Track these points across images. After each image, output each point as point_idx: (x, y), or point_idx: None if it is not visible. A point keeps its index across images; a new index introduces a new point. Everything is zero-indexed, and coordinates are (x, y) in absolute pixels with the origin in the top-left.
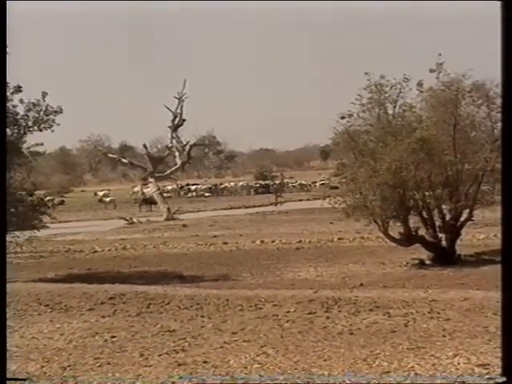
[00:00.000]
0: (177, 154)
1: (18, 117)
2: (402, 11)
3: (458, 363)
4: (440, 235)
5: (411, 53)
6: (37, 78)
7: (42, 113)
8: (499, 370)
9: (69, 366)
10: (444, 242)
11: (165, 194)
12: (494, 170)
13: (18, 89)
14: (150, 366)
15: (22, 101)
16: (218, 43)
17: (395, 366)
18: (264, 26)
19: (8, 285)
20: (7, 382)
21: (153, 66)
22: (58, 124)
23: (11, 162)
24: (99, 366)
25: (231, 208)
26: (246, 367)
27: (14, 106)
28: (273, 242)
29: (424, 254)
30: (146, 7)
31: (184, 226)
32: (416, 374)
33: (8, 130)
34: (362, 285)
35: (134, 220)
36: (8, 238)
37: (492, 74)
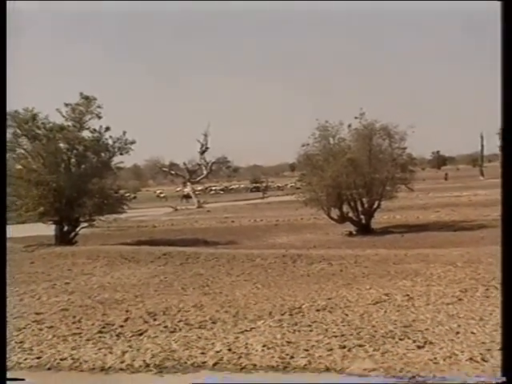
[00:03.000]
0: (203, 168)
1: (108, 146)
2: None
3: (372, 293)
4: (361, 216)
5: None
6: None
7: (123, 143)
8: (397, 297)
9: (140, 294)
10: (364, 221)
11: (196, 192)
12: (394, 178)
13: (107, 129)
14: (188, 295)
15: (110, 136)
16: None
17: (334, 295)
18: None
19: (102, 247)
20: (7, 382)
21: (185, 108)
22: (133, 150)
23: (104, 173)
24: (158, 295)
25: (236, 200)
26: (245, 295)
27: (106, 139)
28: (261, 220)
29: (352, 228)
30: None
31: (208, 211)
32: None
33: (102, 153)
34: (314, 246)
35: (178, 208)
36: (102, 218)
37: (393, 120)
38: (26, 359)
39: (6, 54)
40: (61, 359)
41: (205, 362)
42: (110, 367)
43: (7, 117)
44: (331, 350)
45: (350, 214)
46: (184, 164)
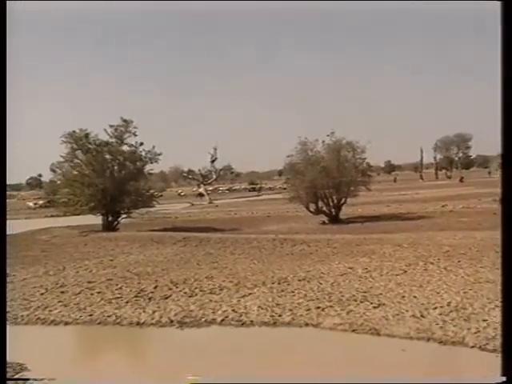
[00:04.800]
0: (213, 173)
1: (142, 157)
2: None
3: (340, 267)
4: (332, 210)
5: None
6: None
7: (152, 155)
8: (359, 270)
9: (166, 268)
10: (334, 213)
11: (208, 192)
12: (356, 181)
13: (141, 144)
14: (201, 268)
15: (143, 150)
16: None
17: (312, 268)
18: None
19: (137, 233)
20: (7, 382)
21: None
22: (160, 159)
23: (139, 177)
24: (179, 269)
25: (237, 198)
26: (244, 269)
27: (140, 152)
28: (257, 213)
29: (325, 219)
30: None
31: (216, 206)
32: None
33: (137, 163)
34: (297, 232)
35: (194, 203)
36: (137, 211)
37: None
38: (81, 316)
39: (6, 54)
40: (107, 316)
41: (214, 319)
42: (143, 323)
43: (67, 135)
44: (309, 309)
45: (324, 208)
46: (198, 170)
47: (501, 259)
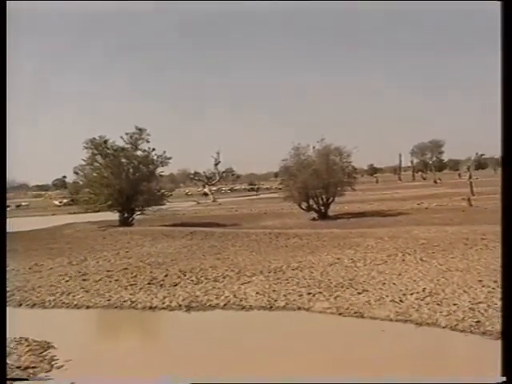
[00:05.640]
0: (216, 175)
1: (154, 161)
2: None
3: (328, 258)
4: (321, 207)
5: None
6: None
7: (163, 159)
8: (345, 261)
9: (175, 259)
10: (323, 210)
11: (212, 191)
12: (343, 182)
13: (153, 150)
14: (206, 259)
15: (156, 154)
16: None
17: (304, 259)
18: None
19: (149, 228)
20: (7, 382)
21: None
22: (170, 163)
23: (151, 179)
24: (187, 259)
25: (238, 197)
26: (244, 260)
27: (152, 156)
28: (255, 210)
29: (315, 215)
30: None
31: (219, 204)
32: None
33: (150, 166)
34: (290, 227)
35: (199, 202)
36: (150, 209)
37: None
38: (100, 301)
39: (6, 54)
40: (123, 301)
41: (218, 304)
42: (155, 307)
43: (88, 142)
44: (301, 295)
45: (314, 206)
46: (203, 172)
47: (501, 258)
